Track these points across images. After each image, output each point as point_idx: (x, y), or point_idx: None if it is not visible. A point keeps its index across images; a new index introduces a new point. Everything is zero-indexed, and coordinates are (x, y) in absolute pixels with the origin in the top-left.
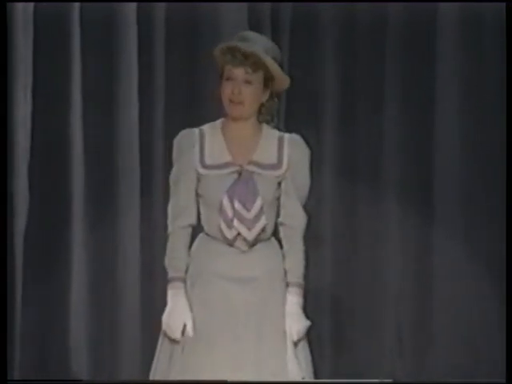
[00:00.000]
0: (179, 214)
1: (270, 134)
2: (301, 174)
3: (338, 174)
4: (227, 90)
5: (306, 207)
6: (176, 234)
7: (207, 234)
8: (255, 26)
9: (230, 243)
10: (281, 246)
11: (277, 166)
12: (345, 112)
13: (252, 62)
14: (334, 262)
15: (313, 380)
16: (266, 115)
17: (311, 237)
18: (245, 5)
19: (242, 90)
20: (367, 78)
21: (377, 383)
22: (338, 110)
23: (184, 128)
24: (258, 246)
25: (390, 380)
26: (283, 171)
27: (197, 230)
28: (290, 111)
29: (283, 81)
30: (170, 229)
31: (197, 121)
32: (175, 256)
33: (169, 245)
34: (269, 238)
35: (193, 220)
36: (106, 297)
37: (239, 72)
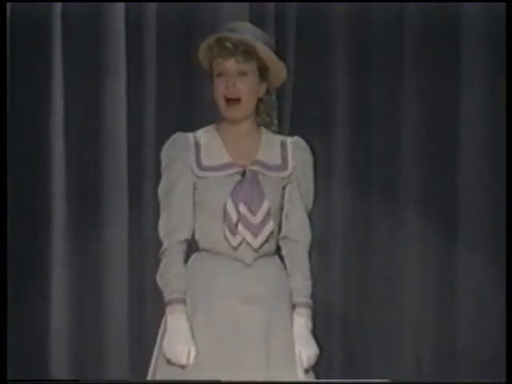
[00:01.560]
0: (176, 227)
1: (271, 137)
2: (306, 178)
3: (349, 185)
4: (220, 86)
5: (310, 219)
6: (173, 249)
7: (205, 250)
8: (257, 24)
9: (234, 254)
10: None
11: (282, 167)
12: (357, 117)
13: (243, 50)
14: (345, 280)
15: (313, 380)
16: (264, 115)
17: (319, 252)
18: (246, 5)
19: (237, 82)
20: (382, 82)
21: (377, 383)
22: (350, 115)
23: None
24: (262, 262)
25: (388, 380)
26: (289, 173)
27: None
28: (295, 116)
29: (279, 70)
30: (165, 245)
31: (191, 126)
32: (174, 275)
33: (165, 263)
34: (272, 255)
35: (190, 234)
36: (90, 320)
37: (230, 64)
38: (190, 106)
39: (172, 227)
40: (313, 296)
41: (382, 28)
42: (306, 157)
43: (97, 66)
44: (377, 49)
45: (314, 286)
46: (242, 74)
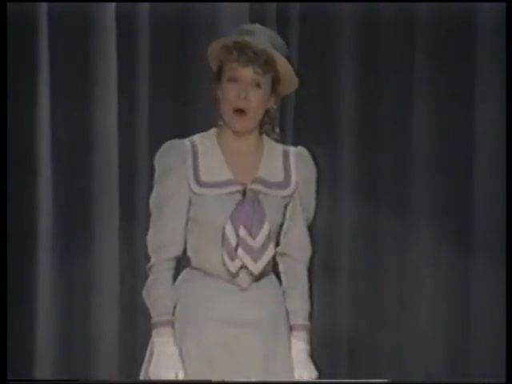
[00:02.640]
0: (166, 243)
1: (273, 148)
2: (308, 193)
3: (357, 198)
4: (231, 93)
5: (311, 233)
6: (161, 267)
7: (197, 269)
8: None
9: (231, 279)
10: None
11: (284, 184)
12: (365, 124)
13: (263, 61)
14: (352, 302)
15: (313, 380)
16: (267, 125)
17: (325, 271)
18: (246, 5)
19: (250, 94)
20: (393, 87)
21: (376, 383)
22: (358, 122)
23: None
24: (259, 284)
25: (387, 380)
26: (291, 191)
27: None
28: (298, 124)
29: (291, 83)
30: (152, 260)
31: (186, 132)
32: (161, 295)
33: (151, 281)
34: (268, 274)
35: (181, 251)
36: (78, 342)
37: (247, 72)
38: (185, 111)
39: (162, 242)
40: (311, 317)
41: (392, 29)
42: (309, 169)
43: (85, 70)
44: (387, 52)
45: (311, 305)
46: (257, 85)
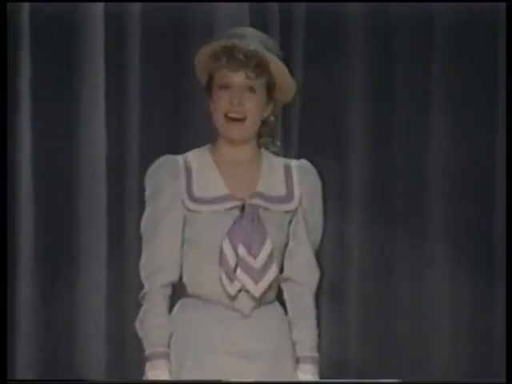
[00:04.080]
0: (161, 268)
1: (273, 161)
2: (314, 210)
3: (368, 217)
4: (223, 101)
5: (318, 258)
6: (155, 294)
7: (194, 296)
8: (259, 26)
9: (230, 302)
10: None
11: (286, 198)
12: (377, 136)
13: (254, 63)
14: (362, 330)
15: (313, 380)
16: (266, 136)
17: (332, 298)
18: (246, 5)
19: (244, 99)
20: (407, 96)
21: (384, 383)
22: (368, 133)
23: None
24: (262, 312)
25: (396, 380)
26: (295, 205)
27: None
28: (304, 136)
29: (288, 88)
30: (146, 287)
31: (180, 149)
32: (155, 325)
33: (146, 309)
34: (272, 302)
35: (176, 276)
36: (62, 374)
37: (239, 77)
38: (180, 124)
39: (156, 267)
40: (319, 349)
41: (406, 30)
42: (314, 183)
43: (70, 77)
44: (400, 56)
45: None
46: (251, 90)
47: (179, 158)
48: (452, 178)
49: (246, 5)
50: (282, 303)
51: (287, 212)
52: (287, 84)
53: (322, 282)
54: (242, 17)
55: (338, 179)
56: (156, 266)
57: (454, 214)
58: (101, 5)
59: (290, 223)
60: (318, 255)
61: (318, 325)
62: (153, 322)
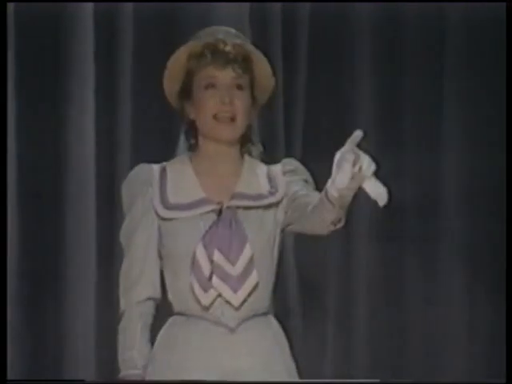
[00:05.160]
0: (136, 283)
1: (255, 165)
2: (304, 176)
3: (376, 235)
4: (211, 101)
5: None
6: (130, 312)
7: (179, 314)
8: (260, 28)
9: (215, 318)
10: (281, 325)
11: (270, 192)
12: (385, 142)
13: (242, 57)
14: (371, 356)
15: (313, 380)
16: (248, 141)
17: (340, 321)
18: (246, 5)
19: (234, 98)
20: (417, 97)
21: (371, 383)
22: (376, 138)
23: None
24: (251, 325)
25: (378, 380)
26: (280, 197)
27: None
28: (308, 139)
29: (268, 86)
30: (122, 305)
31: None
32: (129, 346)
33: (120, 329)
34: (264, 314)
35: (154, 291)
36: None
37: (226, 74)
38: (173, 131)
39: (130, 283)
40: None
41: (417, 30)
42: (302, 175)
43: (57, 81)
44: (409, 59)
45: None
46: (239, 87)
47: (155, 166)
48: (465, 191)
49: (247, 4)
50: (277, 316)
51: (270, 205)
52: (267, 82)
53: (328, 302)
54: (241, 17)
55: None
56: (130, 281)
57: (468, 229)
58: (90, 4)
59: (275, 218)
60: (324, 274)
61: (325, 349)
62: (125, 344)
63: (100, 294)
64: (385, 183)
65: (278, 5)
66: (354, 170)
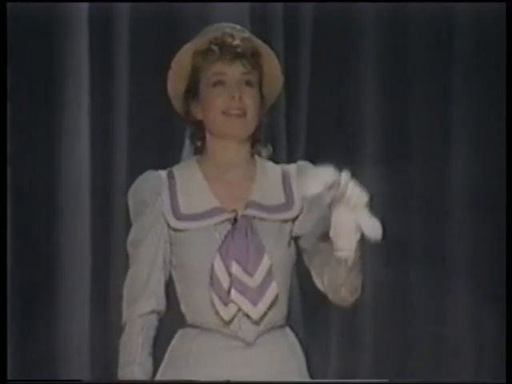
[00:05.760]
0: (139, 295)
1: (268, 168)
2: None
3: (381, 249)
4: (219, 98)
5: None
6: (132, 325)
7: (192, 326)
8: (261, 30)
9: (229, 330)
10: (298, 339)
11: (286, 206)
12: (390, 149)
13: (251, 52)
14: (376, 375)
15: (313, 380)
16: (259, 141)
17: (345, 338)
18: (246, 4)
19: (243, 94)
20: (425, 101)
21: (376, 383)
22: (381, 146)
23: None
24: (268, 339)
25: (386, 380)
26: (296, 213)
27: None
28: (311, 143)
29: (277, 84)
30: (124, 317)
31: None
32: (129, 361)
33: (122, 342)
34: (281, 327)
35: (158, 304)
36: None
37: (235, 69)
38: (170, 145)
39: (134, 295)
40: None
41: (423, 32)
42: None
43: (50, 87)
44: (417, 60)
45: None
46: (249, 84)
47: (162, 172)
48: (475, 199)
49: (246, 4)
50: (292, 328)
51: (286, 221)
52: (276, 79)
53: (330, 322)
54: (241, 17)
55: None
56: (133, 293)
57: (477, 244)
58: (85, 5)
59: (290, 233)
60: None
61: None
62: (126, 358)
63: (94, 307)
64: (390, 187)
65: (280, 4)
66: (330, 189)
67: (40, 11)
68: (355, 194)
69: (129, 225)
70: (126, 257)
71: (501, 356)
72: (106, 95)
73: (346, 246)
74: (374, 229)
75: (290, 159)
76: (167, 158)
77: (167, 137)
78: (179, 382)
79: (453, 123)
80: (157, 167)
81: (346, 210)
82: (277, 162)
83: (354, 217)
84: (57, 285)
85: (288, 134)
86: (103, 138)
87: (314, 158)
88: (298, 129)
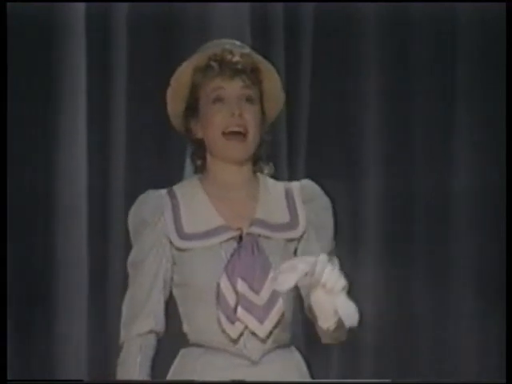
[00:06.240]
0: (138, 314)
1: (272, 186)
2: (325, 231)
3: (384, 256)
4: (219, 115)
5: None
6: (130, 345)
7: (196, 345)
8: (260, 34)
9: (235, 348)
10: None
11: (290, 225)
12: (394, 158)
13: (250, 68)
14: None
15: (313, 380)
16: (261, 159)
17: (347, 348)
18: (246, 4)
19: (243, 111)
20: (429, 108)
21: (376, 383)
22: (385, 155)
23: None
24: (274, 357)
25: (389, 380)
26: (300, 233)
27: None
28: (312, 155)
29: (277, 100)
30: (122, 337)
31: (171, 181)
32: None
33: (119, 362)
34: (287, 346)
35: (157, 323)
36: None
37: (235, 85)
38: (169, 148)
39: (132, 315)
40: None
41: (429, 34)
42: (324, 206)
43: (46, 90)
44: (420, 65)
45: None
46: (249, 100)
47: (163, 191)
48: (477, 200)
49: (246, 5)
50: (299, 348)
51: (291, 240)
52: (276, 95)
53: None
54: (241, 20)
55: (350, 208)
56: (132, 313)
57: (482, 250)
58: (82, 5)
59: (295, 252)
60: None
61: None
62: (124, 378)
63: (93, 307)
64: (393, 197)
65: (280, 4)
66: (306, 274)
67: (40, 11)
68: (331, 279)
69: (127, 224)
70: (124, 258)
71: (501, 356)
72: (104, 96)
73: (325, 324)
74: (349, 315)
75: (292, 159)
76: (166, 160)
77: (166, 139)
78: (179, 381)
79: (454, 123)
80: (155, 169)
81: (323, 293)
82: (278, 166)
83: (331, 300)
84: (56, 285)
85: (289, 134)
86: (101, 139)
87: (316, 158)
88: (299, 128)
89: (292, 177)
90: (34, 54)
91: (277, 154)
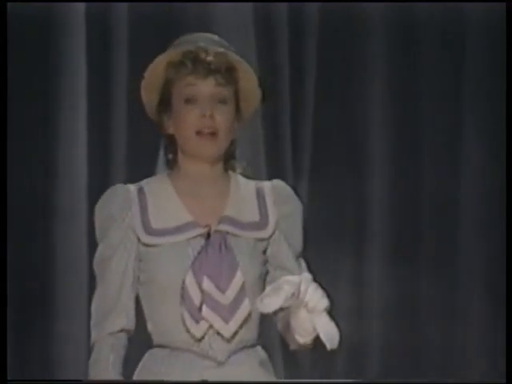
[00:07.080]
0: (109, 313)
1: (243, 184)
2: (297, 235)
3: (390, 258)
4: (192, 114)
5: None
6: (101, 344)
7: (160, 346)
8: (263, 33)
9: (199, 348)
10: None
11: (261, 224)
12: (401, 161)
13: (225, 68)
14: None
15: (313, 380)
16: (232, 157)
17: (350, 354)
18: (248, 4)
19: (215, 113)
20: (436, 111)
21: (380, 383)
22: (391, 157)
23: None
24: (240, 358)
25: (391, 380)
26: (269, 233)
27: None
28: (316, 158)
29: (254, 100)
30: (93, 336)
31: None
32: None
33: (91, 362)
34: (253, 345)
35: (128, 322)
36: None
37: (208, 85)
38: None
39: (103, 314)
40: None
41: (436, 36)
42: (293, 207)
43: (45, 91)
44: (424, 62)
45: None
46: (222, 101)
47: (131, 186)
48: (486, 210)
49: (249, 5)
50: (265, 347)
51: (260, 240)
52: (252, 94)
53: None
54: (244, 20)
55: (355, 211)
56: (103, 312)
57: (490, 252)
58: (82, 5)
59: (264, 252)
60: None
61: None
62: (96, 378)
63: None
64: (400, 201)
65: (284, 5)
66: (291, 295)
67: (40, 11)
68: (314, 298)
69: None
70: None
71: (501, 356)
72: (104, 96)
73: (301, 340)
74: (330, 335)
75: (296, 158)
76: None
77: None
78: (175, 382)
79: (460, 123)
80: (155, 168)
81: (304, 311)
82: (282, 162)
83: (310, 318)
84: (56, 285)
85: (293, 134)
86: (101, 138)
87: (320, 157)
88: (304, 128)
89: (297, 176)
90: (34, 53)
91: (281, 153)
